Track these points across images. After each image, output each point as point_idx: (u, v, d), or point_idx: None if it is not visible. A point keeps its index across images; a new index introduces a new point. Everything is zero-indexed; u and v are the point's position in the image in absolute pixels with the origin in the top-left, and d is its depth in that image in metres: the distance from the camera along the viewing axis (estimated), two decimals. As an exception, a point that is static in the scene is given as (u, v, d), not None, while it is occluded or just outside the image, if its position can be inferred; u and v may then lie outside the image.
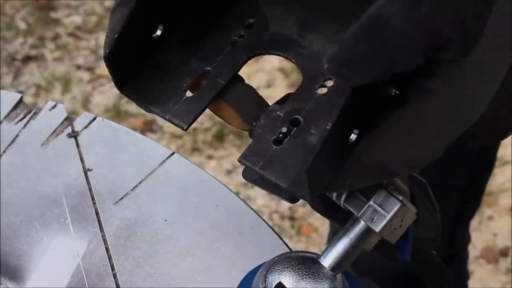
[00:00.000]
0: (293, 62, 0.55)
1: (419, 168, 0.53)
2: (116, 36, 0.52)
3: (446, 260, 1.33)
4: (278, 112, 0.53)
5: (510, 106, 0.52)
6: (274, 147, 0.52)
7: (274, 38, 0.56)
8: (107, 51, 0.52)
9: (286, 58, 0.56)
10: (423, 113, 0.49)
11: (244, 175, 0.56)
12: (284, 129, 0.52)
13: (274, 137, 0.52)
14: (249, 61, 0.57)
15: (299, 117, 0.52)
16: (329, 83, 0.53)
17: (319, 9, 0.55)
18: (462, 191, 1.22)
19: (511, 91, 0.51)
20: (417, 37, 0.46)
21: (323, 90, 0.53)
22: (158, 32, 0.55)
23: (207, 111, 0.56)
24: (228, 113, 0.55)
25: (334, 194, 0.58)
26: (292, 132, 0.52)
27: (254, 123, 0.54)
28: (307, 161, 0.48)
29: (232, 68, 0.55)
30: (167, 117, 0.55)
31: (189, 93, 0.55)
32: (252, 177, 0.55)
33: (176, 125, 0.55)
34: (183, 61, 0.56)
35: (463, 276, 1.41)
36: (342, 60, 0.47)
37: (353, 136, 0.50)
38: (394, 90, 0.50)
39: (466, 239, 1.37)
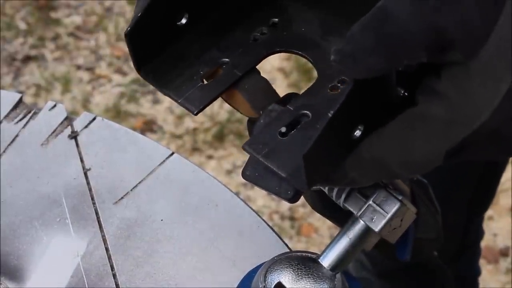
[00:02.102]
0: (311, 62, 0.56)
1: (419, 172, 0.53)
2: (139, 15, 0.53)
3: (458, 254, 1.33)
4: (288, 106, 0.53)
5: None
6: (279, 138, 0.52)
7: (295, 38, 0.57)
8: (128, 28, 0.53)
9: (305, 57, 0.56)
10: (428, 113, 0.49)
11: (244, 174, 0.56)
12: (291, 123, 0.53)
13: (281, 129, 0.52)
14: None
15: (308, 112, 0.52)
16: (342, 85, 0.53)
17: (343, 13, 0.56)
18: (478, 182, 1.22)
19: None
20: (420, 33, 0.47)
21: (335, 91, 0.53)
22: (183, 21, 0.56)
23: (215, 105, 0.56)
24: (238, 99, 0.56)
25: (334, 194, 0.58)
26: (299, 126, 0.52)
27: (261, 112, 0.55)
28: (305, 147, 0.48)
29: (250, 61, 0.56)
30: (179, 101, 0.55)
31: (204, 82, 0.56)
32: (251, 176, 0.55)
33: (187, 109, 0.55)
34: (204, 50, 0.57)
35: (474, 271, 1.41)
36: (347, 52, 0.48)
37: (357, 133, 0.50)
38: (403, 92, 0.51)
39: (480, 233, 1.37)
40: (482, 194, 1.27)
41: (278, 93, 0.57)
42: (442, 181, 1.18)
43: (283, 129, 0.52)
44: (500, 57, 0.48)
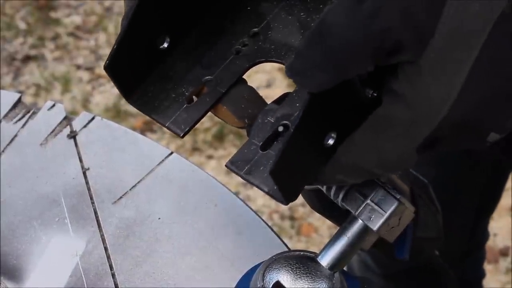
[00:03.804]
0: None
1: (397, 170, 0.53)
2: (114, 47, 0.53)
3: (464, 257, 1.33)
4: (268, 118, 0.54)
5: (485, 106, 0.51)
6: (260, 152, 0.52)
7: (275, 46, 0.57)
8: (106, 62, 0.53)
9: (285, 65, 0.56)
10: (390, 115, 0.49)
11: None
12: (272, 135, 0.53)
13: (262, 142, 0.52)
14: None
15: (288, 122, 0.52)
16: None
17: (321, 13, 0.55)
18: (485, 185, 1.22)
19: (486, 92, 0.50)
20: (360, 41, 0.46)
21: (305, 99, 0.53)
22: (165, 44, 0.56)
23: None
24: (223, 112, 0.56)
25: (332, 193, 0.58)
26: (279, 138, 0.52)
27: (247, 121, 0.55)
28: (272, 163, 0.48)
29: (233, 76, 0.56)
30: (166, 125, 0.56)
31: (194, 99, 0.57)
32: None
33: (173, 132, 0.56)
34: (188, 69, 0.57)
35: (479, 274, 1.41)
36: (296, 68, 0.48)
37: (330, 140, 0.50)
38: (371, 92, 0.51)
39: (486, 235, 1.37)
40: (490, 197, 1.27)
41: (277, 93, 0.57)
42: (451, 184, 1.18)
43: (264, 143, 0.52)
44: (449, 51, 0.48)
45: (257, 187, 0.52)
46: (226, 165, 0.53)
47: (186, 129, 0.56)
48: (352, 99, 0.50)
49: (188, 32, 0.57)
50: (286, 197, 0.50)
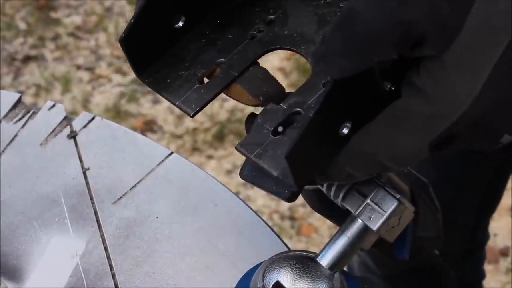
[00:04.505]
0: (306, 58, 0.56)
1: (408, 164, 0.53)
2: (132, 21, 0.53)
3: (465, 257, 1.33)
4: (281, 104, 0.53)
5: (502, 107, 0.51)
6: (271, 137, 0.52)
7: (291, 34, 0.57)
8: (122, 35, 0.53)
9: (299, 53, 0.56)
10: (408, 108, 0.50)
11: (241, 174, 0.56)
12: (284, 121, 0.53)
13: (273, 128, 0.52)
14: None
15: (300, 109, 0.52)
16: None
17: (337, 6, 0.56)
18: (487, 186, 1.22)
19: (503, 93, 0.51)
20: (386, 30, 0.46)
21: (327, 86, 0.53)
22: (180, 24, 0.56)
23: (215, 105, 0.57)
24: (237, 90, 0.56)
25: (332, 193, 0.58)
26: (292, 124, 0.52)
27: (261, 98, 0.55)
28: (289, 147, 0.48)
29: (246, 60, 0.56)
30: (176, 103, 0.56)
31: (205, 80, 0.57)
32: (249, 176, 0.55)
33: (183, 111, 0.56)
34: (201, 51, 0.57)
35: (479, 274, 1.41)
36: (320, 53, 0.48)
37: (345, 130, 0.50)
38: (390, 85, 0.51)
39: (486, 236, 1.37)
40: (491, 197, 1.27)
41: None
42: (452, 185, 1.18)
43: (276, 128, 0.52)
44: (476, 46, 0.48)
45: (267, 171, 0.51)
46: (236, 148, 0.53)
47: (197, 109, 0.55)
48: (371, 90, 0.50)
49: (204, 14, 0.57)
50: (298, 182, 0.50)
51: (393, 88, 0.51)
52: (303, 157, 0.49)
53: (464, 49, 0.48)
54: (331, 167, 0.52)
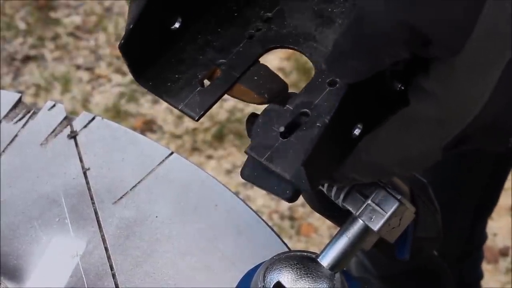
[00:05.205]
0: (307, 56, 0.56)
1: (418, 169, 0.53)
2: (131, 27, 0.53)
3: (463, 258, 1.33)
4: (287, 105, 0.53)
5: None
6: (281, 139, 0.52)
7: (290, 32, 0.56)
8: (122, 41, 0.53)
9: (300, 52, 0.56)
10: (419, 114, 0.49)
11: (242, 174, 0.56)
12: (292, 123, 0.53)
13: (281, 129, 0.52)
14: None
15: (308, 110, 0.52)
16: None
17: (336, 3, 0.56)
18: (485, 186, 1.22)
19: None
20: (397, 31, 0.46)
21: (333, 85, 0.53)
22: (177, 25, 0.56)
23: (215, 104, 0.56)
24: (240, 89, 0.56)
25: (333, 193, 0.58)
26: (299, 125, 0.52)
27: (267, 96, 0.54)
28: (305, 154, 0.48)
29: (247, 60, 0.56)
30: (179, 107, 0.55)
31: (205, 82, 0.56)
32: (250, 176, 0.55)
33: (187, 115, 0.55)
34: (200, 52, 0.56)
35: (477, 275, 1.41)
36: (332, 57, 0.48)
37: (357, 131, 0.50)
38: (400, 86, 0.51)
39: (483, 237, 1.37)
40: (488, 198, 1.27)
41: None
42: (450, 186, 1.18)
43: (284, 130, 0.52)
44: (487, 50, 0.48)
45: (278, 174, 0.51)
46: (246, 151, 0.53)
47: (201, 113, 0.55)
48: (381, 91, 0.50)
49: (200, 15, 0.57)
50: (313, 186, 0.50)
51: (402, 88, 0.51)
52: (318, 162, 0.49)
53: (474, 53, 0.47)
54: (337, 171, 0.52)
